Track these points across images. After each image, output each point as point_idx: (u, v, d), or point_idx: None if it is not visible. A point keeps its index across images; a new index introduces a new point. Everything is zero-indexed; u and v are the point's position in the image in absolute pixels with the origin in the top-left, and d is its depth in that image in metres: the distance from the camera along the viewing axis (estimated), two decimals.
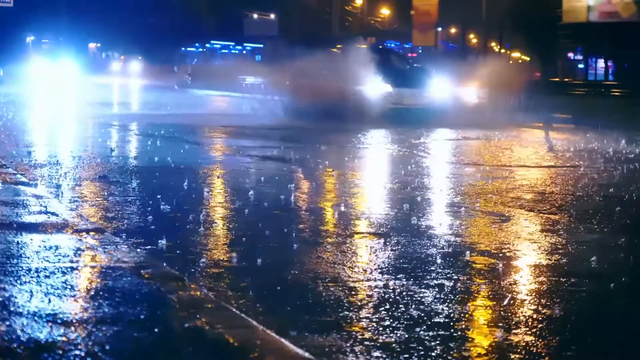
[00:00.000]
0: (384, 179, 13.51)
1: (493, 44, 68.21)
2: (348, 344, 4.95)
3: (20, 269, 5.82)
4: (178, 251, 7.28)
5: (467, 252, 7.45)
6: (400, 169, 13.92)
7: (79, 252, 6.41)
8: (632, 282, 6.81)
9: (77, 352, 4.18)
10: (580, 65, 52.29)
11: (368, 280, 6.51)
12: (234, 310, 5.22)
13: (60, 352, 4.17)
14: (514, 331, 5.29)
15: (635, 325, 5.66)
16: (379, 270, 6.82)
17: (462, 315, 5.65)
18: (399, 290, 6.19)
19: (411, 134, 21.46)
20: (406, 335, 5.15)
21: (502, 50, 65.77)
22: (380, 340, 5.05)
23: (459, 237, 8.38)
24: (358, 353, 4.82)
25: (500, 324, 5.43)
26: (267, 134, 20.89)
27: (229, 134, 21.26)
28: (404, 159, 15.84)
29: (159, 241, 7.49)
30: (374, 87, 25.83)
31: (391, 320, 5.44)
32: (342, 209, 9.72)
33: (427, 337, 5.12)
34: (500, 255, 7.48)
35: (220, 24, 77.99)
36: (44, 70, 52.47)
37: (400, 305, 5.78)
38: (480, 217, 9.53)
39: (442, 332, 5.23)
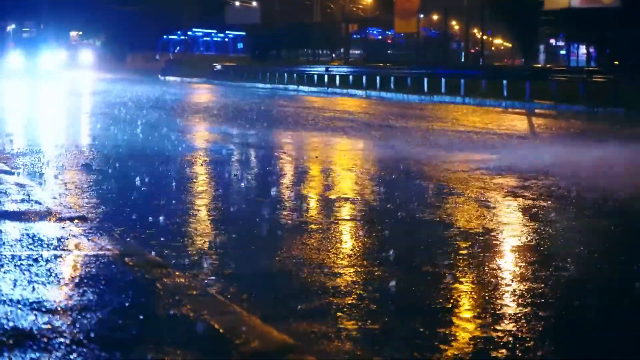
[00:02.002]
0: None
1: (475, 30, 68.26)
2: (333, 330, 4.96)
3: (3, 257, 5.80)
4: (162, 238, 7.27)
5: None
6: None
7: (62, 240, 6.39)
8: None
9: (61, 339, 4.17)
10: (562, 52, 52.39)
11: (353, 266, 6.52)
12: (218, 297, 5.22)
13: (45, 339, 4.16)
14: (499, 318, 5.30)
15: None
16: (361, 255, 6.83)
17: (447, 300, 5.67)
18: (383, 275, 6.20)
19: None
20: (391, 322, 5.16)
21: (485, 37, 65.79)
22: (366, 327, 5.06)
23: None
24: (343, 339, 4.83)
25: (487, 311, 5.44)
26: None
27: None
28: None
29: (143, 229, 7.47)
30: None
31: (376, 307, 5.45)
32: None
33: (411, 323, 5.13)
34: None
35: (202, 12, 77.74)
36: (25, 60, 51.85)
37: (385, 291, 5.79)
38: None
39: (428, 318, 5.24)
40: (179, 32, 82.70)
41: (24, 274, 5.38)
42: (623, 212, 9.15)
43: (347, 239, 7.71)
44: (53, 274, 5.40)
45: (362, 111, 27.44)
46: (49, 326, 4.36)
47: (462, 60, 64.41)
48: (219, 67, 56.67)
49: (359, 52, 79.60)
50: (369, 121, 22.76)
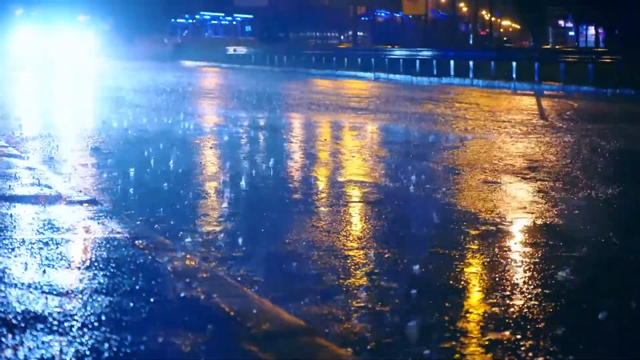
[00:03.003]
0: None
1: (483, 12, 68.09)
2: (343, 312, 4.96)
3: (14, 240, 5.81)
4: (172, 221, 7.27)
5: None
6: None
7: (72, 223, 6.40)
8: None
9: (73, 322, 4.18)
10: (571, 33, 52.32)
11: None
12: (229, 279, 5.23)
13: (56, 322, 4.17)
14: (508, 299, 5.30)
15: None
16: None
17: (459, 281, 5.67)
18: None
19: None
20: (401, 304, 5.16)
21: (493, 19, 65.63)
22: (377, 309, 5.06)
23: None
24: (354, 321, 4.83)
25: (497, 292, 5.44)
26: None
27: None
28: None
29: (153, 212, 7.48)
30: None
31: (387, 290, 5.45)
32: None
33: (422, 305, 5.13)
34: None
35: None
36: (44, 47, 48.50)
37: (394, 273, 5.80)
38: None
39: (439, 299, 5.24)
40: (186, 16, 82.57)
41: (34, 257, 5.39)
42: None
43: (357, 221, 7.71)
44: (63, 257, 5.41)
45: (370, 95, 27.41)
46: (59, 309, 4.37)
47: (471, 42, 64.27)
48: (231, 50, 56.87)
49: (366, 34, 79.45)
50: (378, 104, 22.74)
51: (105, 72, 40.24)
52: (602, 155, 12.09)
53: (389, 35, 69.88)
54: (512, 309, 5.06)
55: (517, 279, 5.72)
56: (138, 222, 6.92)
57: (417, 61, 37.38)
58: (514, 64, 32.02)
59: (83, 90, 24.71)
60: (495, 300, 5.23)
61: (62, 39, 47.23)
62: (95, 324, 4.17)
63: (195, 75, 37.75)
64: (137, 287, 4.79)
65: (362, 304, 5.13)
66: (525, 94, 27.41)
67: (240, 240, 6.68)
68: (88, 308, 4.40)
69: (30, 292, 4.65)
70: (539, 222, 7.54)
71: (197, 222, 7.35)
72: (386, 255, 6.30)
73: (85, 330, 4.09)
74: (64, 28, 48.07)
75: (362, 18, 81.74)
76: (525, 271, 5.91)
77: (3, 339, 3.94)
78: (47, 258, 5.37)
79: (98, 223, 6.41)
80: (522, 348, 4.43)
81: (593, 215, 7.88)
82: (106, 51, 53.64)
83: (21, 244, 5.72)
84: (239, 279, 5.51)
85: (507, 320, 4.86)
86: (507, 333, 4.66)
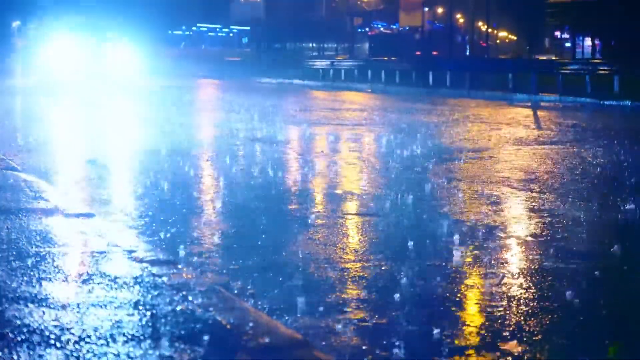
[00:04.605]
0: None
1: (480, 23, 68.22)
2: (340, 325, 4.95)
3: (11, 253, 5.80)
4: (169, 234, 7.27)
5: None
6: None
7: (69, 236, 6.39)
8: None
9: (69, 336, 4.17)
10: (567, 44, 52.42)
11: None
12: (225, 292, 5.22)
13: (52, 336, 4.16)
14: (505, 313, 5.29)
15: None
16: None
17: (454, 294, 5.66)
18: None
19: None
20: (399, 316, 5.16)
21: (490, 30, 65.75)
22: (373, 322, 5.06)
23: None
24: (350, 334, 4.83)
25: (492, 306, 5.44)
26: None
27: None
28: None
29: (150, 224, 7.47)
30: None
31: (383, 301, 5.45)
32: None
33: (419, 318, 5.12)
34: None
35: (207, 7, 77.74)
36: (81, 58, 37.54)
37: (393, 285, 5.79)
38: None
39: (435, 312, 5.24)
40: (183, 28, 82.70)
41: (31, 270, 5.38)
42: None
43: (354, 234, 7.71)
44: (60, 270, 5.40)
45: (367, 105, 27.44)
46: (56, 322, 4.36)
47: (467, 53, 64.35)
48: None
49: (363, 45, 79.54)
50: (375, 115, 22.76)
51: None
52: (597, 168, 12.11)
53: (386, 47, 69.95)
54: (511, 322, 5.06)
55: (514, 292, 5.72)
56: (135, 235, 6.92)
57: (413, 73, 37.42)
58: (510, 75, 32.09)
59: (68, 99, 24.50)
60: (493, 314, 5.23)
61: (103, 54, 39.07)
62: (92, 337, 4.16)
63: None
64: (134, 301, 4.78)
65: (359, 317, 5.13)
66: (522, 105, 27.43)
67: (236, 253, 6.68)
68: (84, 321, 4.39)
69: (27, 305, 4.64)
70: (534, 234, 7.54)
71: (193, 235, 7.34)
72: (383, 268, 6.29)
73: (81, 343, 4.08)
74: (99, 43, 39.37)
75: (359, 29, 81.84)
76: (522, 284, 5.91)
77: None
78: (43, 271, 5.36)
79: (95, 236, 6.40)
80: None
81: (589, 228, 7.88)
82: (146, 68, 43.88)
83: (18, 256, 5.71)
84: (236, 291, 5.50)
85: (505, 334, 4.86)
86: (506, 347, 4.66)
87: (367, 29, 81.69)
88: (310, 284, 5.85)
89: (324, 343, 4.63)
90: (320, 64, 47.16)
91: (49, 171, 10.84)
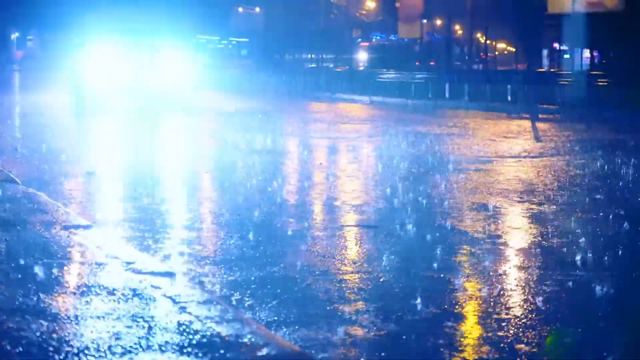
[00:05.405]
0: None
1: (479, 35, 68.29)
2: (339, 337, 4.94)
3: (9, 265, 5.79)
4: (167, 245, 7.26)
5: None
6: None
7: (67, 248, 6.38)
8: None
9: (67, 348, 4.16)
10: (566, 55, 52.43)
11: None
12: (223, 304, 5.21)
13: (51, 348, 4.15)
14: (505, 325, 5.29)
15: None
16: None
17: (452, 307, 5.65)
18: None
19: None
20: (397, 328, 5.15)
21: (488, 42, 65.83)
22: (372, 334, 5.05)
23: None
24: (349, 346, 4.82)
25: (492, 318, 5.43)
26: None
27: None
28: None
29: (148, 236, 7.46)
30: None
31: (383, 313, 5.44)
32: None
33: (419, 329, 5.11)
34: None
35: (206, 19, 77.76)
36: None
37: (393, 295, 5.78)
38: None
39: (434, 324, 5.23)
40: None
41: (29, 282, 5.38)
42: None
43: (352, 245, 7.70)
44: (58, 282, 5.40)
45: (365, 116, 27.44)
46: (54, 334, 4.35)
47: (466, 66, 64.42)
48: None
49: (362, 56, 79.60)
50: (373, 127, 22.76)
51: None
52: (596, 179, 12.11)
53: (385, 58, 69.99)
54: (509, 332, 5.05)
55: (513, 303, 5.71)
56: (133, 246, 6.91)
57: (412, 84, 37.42)
58: (509, 86, 32.10)
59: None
60: (492, 325, 5.22)
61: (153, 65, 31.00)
62: (90, 349, 4.16)
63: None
64: (132, 312, 4.77)
65: (358, 329, 5.12)
66: (520, 117, 27.42)
67: (234, 264, 6.67)
68: (82, 333, 4.38)
69: (25, 317, 4.63)
70: (533, 245, 7.54)
71: (191, 246, 7.33)
72: (382, 280, 6.29)
73: (79, 355, 4.07)
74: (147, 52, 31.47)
75: (358, 40, 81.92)
76: (522, 295, 5.91)
77: None
78: (41, 283, 5.35)
79: (93, 247, 6.40)
80: None
81: (587, 238, 7.87)
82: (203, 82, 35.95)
83: (16, 268, 5.70)
84: (234, 303, 5.49)
85: (503, 345, 4.85)
86: (505, 356, 4.65)
87: (360, 40, 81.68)
88: (308, 296, 5.84)
89: (322, 355, 4.62)
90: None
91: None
